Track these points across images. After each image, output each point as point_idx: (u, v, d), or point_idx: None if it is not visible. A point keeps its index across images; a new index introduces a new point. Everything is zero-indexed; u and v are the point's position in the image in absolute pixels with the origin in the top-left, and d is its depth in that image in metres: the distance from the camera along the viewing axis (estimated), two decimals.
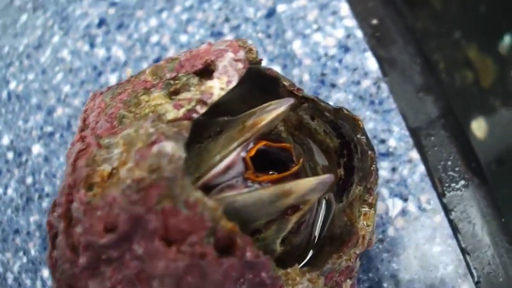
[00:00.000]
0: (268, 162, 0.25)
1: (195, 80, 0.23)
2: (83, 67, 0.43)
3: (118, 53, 0.42)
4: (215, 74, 0.22)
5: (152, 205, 0.18)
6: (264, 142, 0.24)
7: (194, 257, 0.18)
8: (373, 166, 0.26)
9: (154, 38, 0.42)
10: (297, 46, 0.38)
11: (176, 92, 0.23)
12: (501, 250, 0.32)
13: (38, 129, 0.43)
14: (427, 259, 0.32)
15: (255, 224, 0.22)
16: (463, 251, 0.32)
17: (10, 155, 0.43)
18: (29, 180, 0.41)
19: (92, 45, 0.44)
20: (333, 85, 0.36)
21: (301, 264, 0.26)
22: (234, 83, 0.22)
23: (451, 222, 0.32)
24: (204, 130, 0.26)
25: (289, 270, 0.21)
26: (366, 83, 0.36)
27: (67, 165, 0.22)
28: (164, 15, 0.42)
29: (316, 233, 0.27)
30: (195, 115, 0.21)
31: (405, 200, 0.33)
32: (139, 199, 0.18)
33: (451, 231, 0.32)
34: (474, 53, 0.50)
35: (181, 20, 0.41)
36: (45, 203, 0.40)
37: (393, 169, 0.34)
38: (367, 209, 0.26)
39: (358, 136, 0.26)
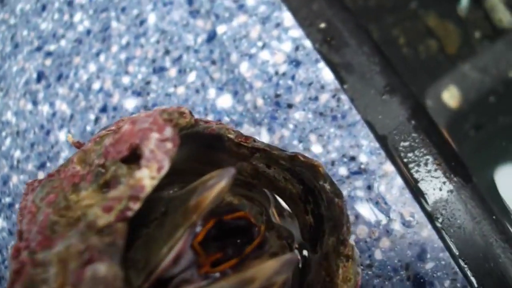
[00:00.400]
0: (227, 232, 0.23)
1: (123, 169, 0.20)
2: (30, 128, 0.40)
3: (63, 107, 0.39)
4: (143, 162, 0.20)
5: None
6: (211, 222, 0.21)
7: None
8: (342, 215, 0.23)
9: (96, 85, 0.39)
10: (244, 68, 0.35)
11: (107, 184, 0.20)
12: (497, 251, 0.30)
13: None
14: (422, 277, 0.29)
15: None
16: (457, 262, 0.29)
17: None
18: None
19: (34, 102, 0.41)
20: (289, 106, 0.33)
21: None
22: (166, 168, 0.20)
23: (439, 232, 0.30)
24: (150, 209, 0.23)
25: None
26: (324, 97, 0.33)
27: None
28: (102, 57, 0.39)
29: None
30: (129, 213, 0.19)
31: (387, 217, 0.30)
32: None
33: (442, 243, 0.30)
34: (433, 21, 0.47)
35: (120, 61, 0.38)
36: None
37: (369, 187, 0.31)
38: (344, 262, 0.23)
39: (321, 183, 0.24)
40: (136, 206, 0.19)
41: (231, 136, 0.25)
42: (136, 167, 0.20)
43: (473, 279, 0.30)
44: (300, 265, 0.26)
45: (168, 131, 0.21)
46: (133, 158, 0.21)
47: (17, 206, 0.39)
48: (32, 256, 0.19)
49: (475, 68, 0.45)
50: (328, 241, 0.24)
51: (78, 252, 0.18)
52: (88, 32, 0.40)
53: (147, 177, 0.20)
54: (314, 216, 0.26)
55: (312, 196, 0.25)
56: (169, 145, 0.20)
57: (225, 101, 0.35)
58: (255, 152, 0.26)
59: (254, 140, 0.25)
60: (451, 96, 0.44)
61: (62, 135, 0.39)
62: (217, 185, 0.21)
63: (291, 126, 0.33)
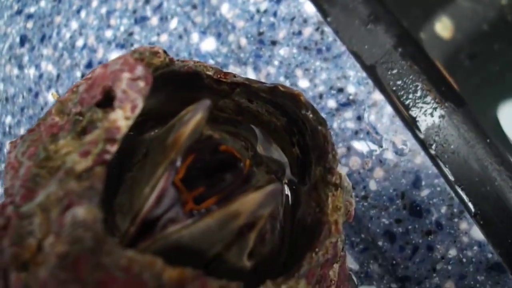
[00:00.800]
0: (212, 168, 0.23)
1: (98, 114, 0.20)
2: (18, 92, 0.40)
3: (49, 67, 0.39)
4: (116, 103, 0.19)
5: (85, 279, 0.16)
6: (191, 157, 0.21)
7: None
8: (327, 143, 0.23)
9: (79, 42, 0.38)
10: (225, 9, 0.34)
11: (84, 131, 0.20)
12: (493, 174, 0.29)
13: None
14: (418, 205, 0.29)
15: (212, 251, 0.20)
16: (453, 186, 0.29)
17: None
18: None
19: (20, 66, 0.40)
20: (273, 42, 0.33)
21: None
22: (139, 107, 0.19)
23: (433, 159, 0.29)
24: (133, 152, 0.23)
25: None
26: (308, 31, 0.32)
27: None
28: (83, 14, 0.38)
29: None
30: (107, 156, 0.18)
31: (380, 147, 0.30)
32: (69, 276, 0.16)
33: (436, 169, 0.29)
34: None
35: (101, 15, 0.38)
36: None
37: (359, 118, 0.30)
38: (333, 190, 0.23)
39: (303, 112, 0.23)
40: (113, 148, 0.19)
41: (210, 73, 0.24)
42: (111, 110, 0.20)
43: (469, 204, 0.29)
44: (290, 201, 0.26)
45: (139, 70, 0.20)
46: (108, 101, 0.20)
47: None
48: (17, 210, 0.19)
49: None
50: (316, 171, 0.24)
51: (57, 199, 0.18)
52: None
53: (122, 118, 0.19)
54: (300, 147, 0.25)
55: (297, 127, 0.25)
56: (141, 83, 0.20)
57: (209, 44, 0.34)
58: (235, 87, 0.25)
59: (234, 76, 0.25)
60: (444, 27, 0.43)
61: (50, 96, 0.38)
62: (193, 118, 0.20)
63: (276, 63, 0.32)
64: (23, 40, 0.41)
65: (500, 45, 0.40)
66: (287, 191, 0.26)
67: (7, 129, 0.40)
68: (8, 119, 0.40)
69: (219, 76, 0.24)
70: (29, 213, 0.18)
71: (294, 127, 0.25)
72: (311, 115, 0.23)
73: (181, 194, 0.21)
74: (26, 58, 0.40)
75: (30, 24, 0.41)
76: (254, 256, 0.22)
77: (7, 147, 0.40)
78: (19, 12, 0.41)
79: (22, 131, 0.39)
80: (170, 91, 0.25)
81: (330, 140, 0.23)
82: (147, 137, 0.24)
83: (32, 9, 0.41)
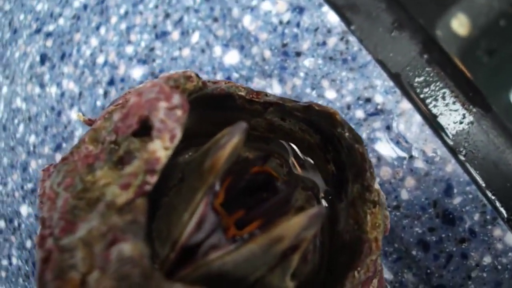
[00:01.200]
0: (249, 190, 0.23)
1: (135, 144, 0.20)
2: (41, 111, 0.40)
3: (70, 85, 0.39)
4: (154, 134, 0.19)
5: None
6: (229, 180, 0.21)
7: None
8: (364, 161, 0.22)
9: (100, 59, 0.38)
10: (247, 22, 0.34)
11: (121, 161, 0.20)
12: None
13: (19, 189, 0.40)
14: (450, 213, 0.29)
15: (254, 275, 0.20)
16: (485, 193, 0.29)
17: (1, 223, 0.41)
18: (28, 244, 0.39)
19: (41, 85, 0.41)
20: (298, 54, 0.33)
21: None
22: (178, 137, 0.19)
23: (463, 165, 0.29)
24: (168, 176, 0.23)
25: None
26: (332, 41, 0.32)
27: (35, 276, 0.19)
28: (103, 30, 0.39)
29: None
30: (148, 188, 0.18)
31: (410, 157, 0.30)
32: None
33: (467, 176, 0.29)
34: None
35: (121, 31, 0.38)
36: None
37: (388, 127, 0.30)
38: (371, 208, 0.23)
39: (339, 130, 0.23)
40: (153, 179, 0.19)
41: (242, 93, 0.24)
42: (149, 140, 0.20)
43: (502, 210, 0.29)
44: (327, 217, 0.26)
45: (176, 99, 0.20)
46: (145, 130, 0.20)
47: (39, 191, 0.39)
48: (57, 243, 0.19)
49: None
50: (353, 189, 0.24)
51: (100, 234, 0.18)
52: (85, 7, 0.40)
53: (161, 148, 0.19)
54: (336, 164, 0.25)
55: (331, 144, 0.25)
56: (179, 112, 0.20)
57: (232, 57, 0.34)
58: (268, 106, 0.25)
59: (266, 95, 0.25)
60: (460, 24, 0.43)
61: (73, 114, 0.39)
62: (230, 142, 0.20)
63: (302, 74, 0.32)
64: (43, 59, 0.41)
65: None
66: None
67: (31, 148, 0.40)
68: (32, 138, 0.40)
69: (251, 96, 0.24)
70: (70, 246, 0.19)
71: (329, 145, 0.25)
72: (347, 133, 0.23)
73: (222, 219, 0.21)
74: (47, 77, 0.40)
75: (49, 43, 0.41)
76: (297, 276, 0.22)
77: (32, 166, 0.40)
78: (38, 31, 0.41)
79: (46, 149, 0.39)
80: (201, 112, 0.25)
81: (367, 158, 0.23)
82: (182, 160, 0.24)
83: (51, 28, 0.41)
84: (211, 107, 0.25)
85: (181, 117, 0.19)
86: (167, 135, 0.19)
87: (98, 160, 0.21)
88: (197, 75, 0.22)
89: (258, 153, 0.25)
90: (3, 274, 0.40)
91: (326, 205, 0.26)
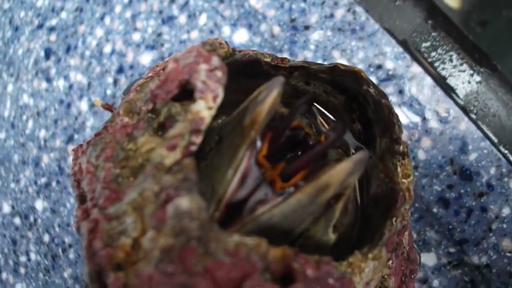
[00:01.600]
0: (283, 147, 0.23)
1: (177, 108, 0.20)
2: (50, 105, 0.40)
3: (78, 77, 0.39)
4: (197, 95, 0.20)
5: (193, 268, 0.16)
6: (270, 134, 0.21)
7: None
8: (392, 114, 0.23)
9: (107, 48, 0.39)
10: (254, 0, 0.35)
11: (162, 126, 0.20)
12: None
13: (33, 184, 0.40)
14: (467, 169, 0.30)
15: (301, 227, 0.21)
16: (498, 148, 0.30)
17: (17, 221, 0.41)
18: (46, 238, 0.39)
19: (48, 79, 0.41)
20: (307, 27, 0.33)
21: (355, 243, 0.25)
22: (221, 96, 0.20)
23: (476, 123, 0.30)
24: (203, 142, 0.24)
25: (350, 259, 0.20)
26: (340, 13, 0.33)
27: (82, 247, 0.20)
28: (107, 20, 0.39)
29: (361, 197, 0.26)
30: (194, 148, 0.19)
31: (424, 118, 0.31)
32: (176, 268, 0.16)
33: (481, 133, 0.30)
34: None
35: (127, 19, 0.38)
36: (72, 254, 0.38)
37: (400, 91, 0.31)
38: (401, 159, 0.23)
39: (365, 87, 0.24)
40: (198, 139, 0.19)
41: (267, 60, 0.25)
42: (190, 103, 0.20)
43: None
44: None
45: (215, 60, 0.21)
46: (183, 95, 0.21)
47: (53, 184, 0.39)
48: (103, 212, 0.19)
49: None
50: (381, 143, 0.25)
51: (154, 194, 0.18)
52: None
53: (204, 108, 0.20)
54: (361, 122, 0.26)
55: (357, 103, 0.26)
56: (219, 73, 0.20)
57: (241, 36, 0.35)
58: (293, 71, 0.26)
59: (289, 60, 0.25)
60: None
61: (83, 105, 0.39)
62: (269, 96, 0.20)
63: (312, 47, 0.33)
64: (48, 53, 0.41)
65: (509, 12, 0.41)
66: None
67: (42, 142, 0.40)
68: (42, 133, 0.40)
69: (276, 62, 0.25)
70: (117, 213, 0.19)
71: (354, 104, 0.26)
72: (372, 90, 0.24)
73: (266, 172, 0.21)
74: (53, 71, 0.40)
75: (53, 37, 0.41)
76: (338, 228, 0.23)
77: (45, 160, 0.40)
78: (40, 26, 0.42)
79: (58, 143, 0.39)
80: (231, 81, 0.25)
81: (394, 112, 0.24)
82: (216, 125, 0.24)
83: (53, 22, 0.41)
84: (239, 75, 0.25)
85: (221, 77, 0.20)
86: (210, 95, 0.20)
87: (137, 129, 0.21)
88: (226, 42, 0.23)
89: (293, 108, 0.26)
90: (22, 270, 0.40)
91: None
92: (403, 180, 0.23)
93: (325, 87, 0.26)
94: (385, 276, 0.22)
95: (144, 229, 0.18)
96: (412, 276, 0.25)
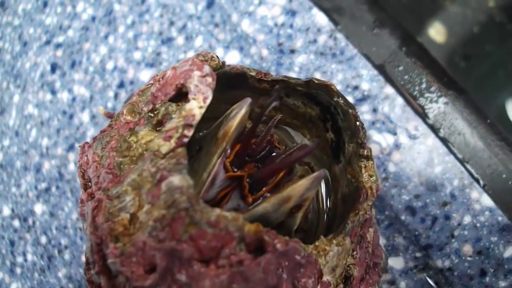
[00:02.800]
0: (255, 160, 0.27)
1: (173, 107, 0.24)
2: (53, 116, 0.43)
3: (81, 90, 0.43)
4: (190, 96, 0.23)
5: (180, 236, 0.19)
6: (239, 145, 0.25)
7: (233, 266, 0.19)
8: (358, 122, 0.27)
9: (109, 65, 0.42)
10: (246, 25, 0.38)
11: (160, 123, 0.24)
12: (495, 149, 0.34)
13: (33, 189, 0.43)
14: (433, 181, 0.33)
15: None
16: (462, 162, 0.33)
17: (16, 223, 0.43)
18: (43, 239, 0.42)
19: (53, 92, 0.44)
20: (292, 51, 0.37)
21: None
22: (210, 98, 0.23)
23: (443, 140, 0.34)
24: (188, 149, 0.27)
25: (317, 243, 0.23)
26: (322, 38, 0.37)
27: (86, 224, 0.23)
28: (111, 39, 0.42)
29: (326, 203, 0.29)
30: (186, 140, 0.22)
31: (395, 134, 0.34)
32: (166, 235, 0.20)
33: (446, 149, 0.34)
34: None
35: (129, 39, 0.42)
36: (67, 255, 0.41)
37: (374, 110, 0.35)
38: (365, 162, 0.27)
39: (335, 99, 0.28)
40: (190, 132, 0.23)
41: (253, 73, 0.28)
42: (184, 102, 0.24)
43: (478, 177, 0.34)
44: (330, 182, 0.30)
45: (207, 68, 0.24)
46: (179, 97, 0.25)
47: (53, 189, 0.42)
48: (106, 193, 0.23)
49: (456, 2, 0.48)
50: (349, 148, 0.28)
51: (150, 174, 0.21)
52: (93, 18, 0.43)
53: (196, 107, 0.23)
54: (334, 131, 0.30)
55: (329, 113, 0.29)
56: (209, 79, 0.24)
57: (233, 57, 0.38)
58: (275, 84, 0.29)
59: (272, 75, 0.29)
60: (437, 32, 0.48)
61: (85, 116, 0.42)
62: (238, 114, 0.25)
63: (296, 69, 0.37)
64: (54, 68, 0.44)
65: (491, 46, 0.45)
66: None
67: (44, 150, 0.43)
68: (45, 141, 0.43)
69: (260, 76, 0.29)
70: (118, 193, 0.22)
71: (327, 114, 0.29)
72: (342, 101, 0.28)
73: (240, 182, 0.25)
74: (58, 84, 0.44)
75: (59, 53, 0.44)
76: (299, 232, 0.27)
77: (46, 167, 0.43)
78: (48, 42, 0.45)
79: (59, 151, 0.42)
80: (219, 91, 0.29)
81: (360, 120, 0.27)
82: (198, 137, 0.28)
83: (60, 39, 0.44)
84: (226, 87, 0.29)
85: (211, 83, 0.24)
86: (201, 97, 0.23)
87: (138, 125, 0.25)
88: (217, 56, 0.26)
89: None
90: (18, 270, 0.43)
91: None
92: (367, 179, 0.27)
93: (303, 99, 0.30)
94: (350, 265, 0.25)
95: (141, 204, 0.21)
96: (376, 269, 0.28)
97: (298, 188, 0.23)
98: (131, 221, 0.21)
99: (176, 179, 0.21)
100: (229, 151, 0.26)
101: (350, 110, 0.27)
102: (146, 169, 0.22)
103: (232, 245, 0.20)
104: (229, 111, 0.26)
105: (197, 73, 0.24)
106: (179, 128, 0.23)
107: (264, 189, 0.26)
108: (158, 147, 0.22)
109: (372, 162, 0.27)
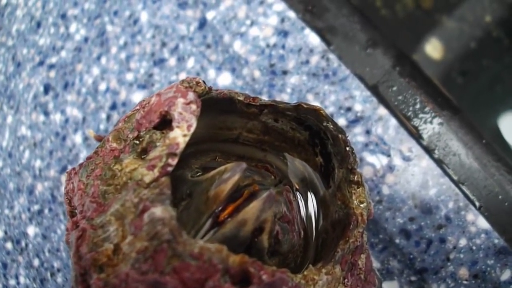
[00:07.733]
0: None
1: (157, 135, 0.24)
2: (46, 137, 0.43)
3: (74, 112, 0.42)
4: (174, 124, 0.23)
5: (163, 268, 0.19)
6: (231, 208, 0.25)
7: None
8: (348, 147, 0.27)
9: (102, 86, 0.42)
10: (238, 46, 0.38)
11: (145, 151, 0.24)
12: (491, 170, 0.33)
13: (26, 211, 0.43)
14: (427, 203, 0.33)
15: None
16: (457, 184, 0.33)
17: (9, 245, 0.43)
18: (36, 262, 0.42)
19: (46, 113, 0.44)
20: (284, 72, 0.37)
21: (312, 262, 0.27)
22: (194, 125, 0.23)
23: (437, 162, 0.33)
24: (177, 188, 0.27)
25: (305, 272, 0.22)
26: (314, 59, 0.36)
27: (71, 253, 0.22)
28: (104, 60, 0.42)
29: (316, 227, 0.29)
30: (169, 168, 0.22)
31: (388, 156, 0.34)
32: (149, 267, 0.19)
33: (440, 170, 0.33)
34: None
35: (121, 60, 0.41)
36: (60, 278, 0.40)
37: (367, 132, 0.34)
38: (355, 188, 0.27)
39: (324, 124, 0.27)
40: (174, 161, 0.22)
41: (241, 98, 0.28)
42: (168, 130, 0.23)
43: (474, 198, 0.33)
44: (315, 203, 0.30)
45: (191, 95, 0.24)
46: (163, 125, 0.24)
47: (46, 211, 0.42)
48: (90, 222, 0.22)
49: (453, 18, 0.48)
50: (339, 173, 0.28)
51: (133, 205, 0.21)
52: (86, 39, 0.43)
53: (180, 135, 0.23)
54: (323, 155, 0.29)
55: (319, 138, 0.29)
56: (193, 106, 0.24)
57: (225, 79, 0.38)
58: (263, 109, 0.29)
59: (260, 100, 0.29)
60: (434, 49, 0.47)
61: (78, 138, 0.42)
62: (231, 179, 0.25)
63: (289, 90, 0.36)
64: (46, 89, 0.44)
65: (488, 61, 0.44)
66: (312, 199, 0.30)
67: (37, 172, 0.43)
68: (38, 163, 0.43)
69: (248, 100, 0.28)
70: (102, 223, 0.22)
71: (317, 139, 0.29)
72: (331, 126, 0.27)
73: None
74: (51, 105, 0.43)
75: (52, 73, 0.44)
76: (276, 255, 0.26)
77: (39, 189, 0.42)
78: (41, 63, 0.45)
79: (52, 172, 0.42)
80: (207, 117, 0.29)
81: (350, 145, 0.27)
82: (190, 178, 0.28)
83: (53, 60, 0.44)
84: (214, 112, 0.28)
85: (195, 110, 0.23)
86: (185, 125, 0.23)
87: (123, 153, 0.24)
88: (204, 82, 0.26)
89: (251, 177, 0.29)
90: None
91: (313, 196, 0.30)
92: (357, 206, 0.26)
93: (292, 124, 0.29)
94: None
95: (125, 235, 0.21)
96: None
97: (250, 210, 0.23)
98: (114, 252, 0.21)
99: (158, 211, 0.20)
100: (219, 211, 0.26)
101: (340, 135, 0.27)
102: (129, 199, 0.22)
103: (216, 277, 0.19)
104: (223, 168, 0.26)
105: (181, 100, 0.24)
106: (163, 157, 0.22)
107: (224, 213, 0.25)
108: (142, 176, 0.22)
109: (363, 188, 0.27)
